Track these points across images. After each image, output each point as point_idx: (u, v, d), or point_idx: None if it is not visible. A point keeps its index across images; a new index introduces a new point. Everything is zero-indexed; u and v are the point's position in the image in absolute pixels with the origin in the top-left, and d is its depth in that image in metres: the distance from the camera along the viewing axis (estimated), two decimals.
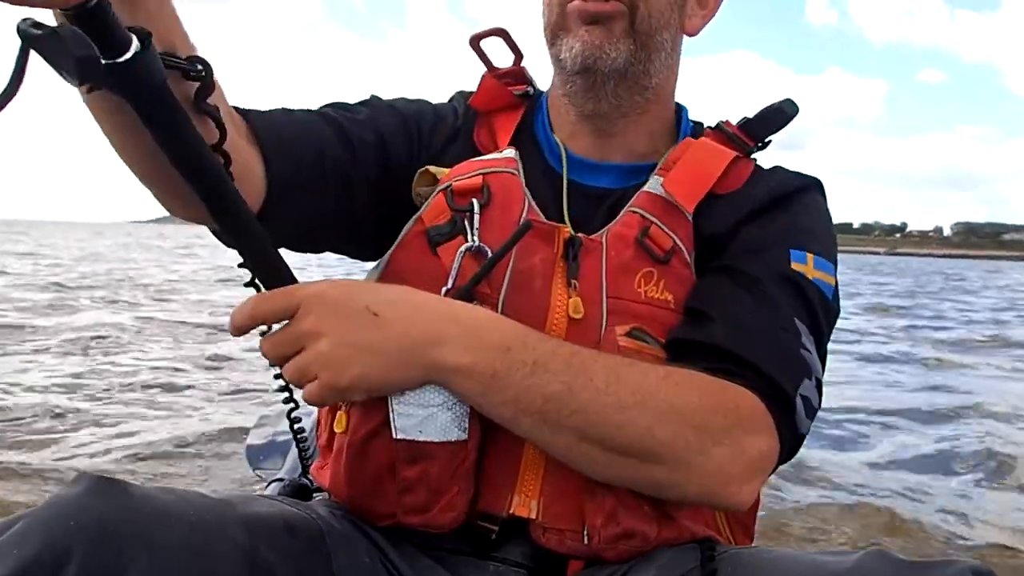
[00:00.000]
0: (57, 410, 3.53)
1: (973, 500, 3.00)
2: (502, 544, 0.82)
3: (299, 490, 1.10)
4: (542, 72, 1.02)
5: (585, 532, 0.79)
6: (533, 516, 0.80)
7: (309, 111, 0.92)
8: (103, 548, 0.56)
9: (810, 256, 0.88)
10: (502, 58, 1.02)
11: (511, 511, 0.80)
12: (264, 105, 0.91)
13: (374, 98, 1.00)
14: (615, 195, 0.93)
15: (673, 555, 0.76)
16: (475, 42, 1.00)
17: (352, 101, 0.98)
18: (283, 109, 0.91)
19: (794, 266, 0.87)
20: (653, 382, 0.74)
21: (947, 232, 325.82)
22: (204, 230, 0.83)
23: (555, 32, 0.90)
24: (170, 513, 0.61)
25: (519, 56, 1.02)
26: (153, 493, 0.63)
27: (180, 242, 37.60)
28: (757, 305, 0.84)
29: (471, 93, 1.02)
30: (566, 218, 0.90)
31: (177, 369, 4.69)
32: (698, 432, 0.74)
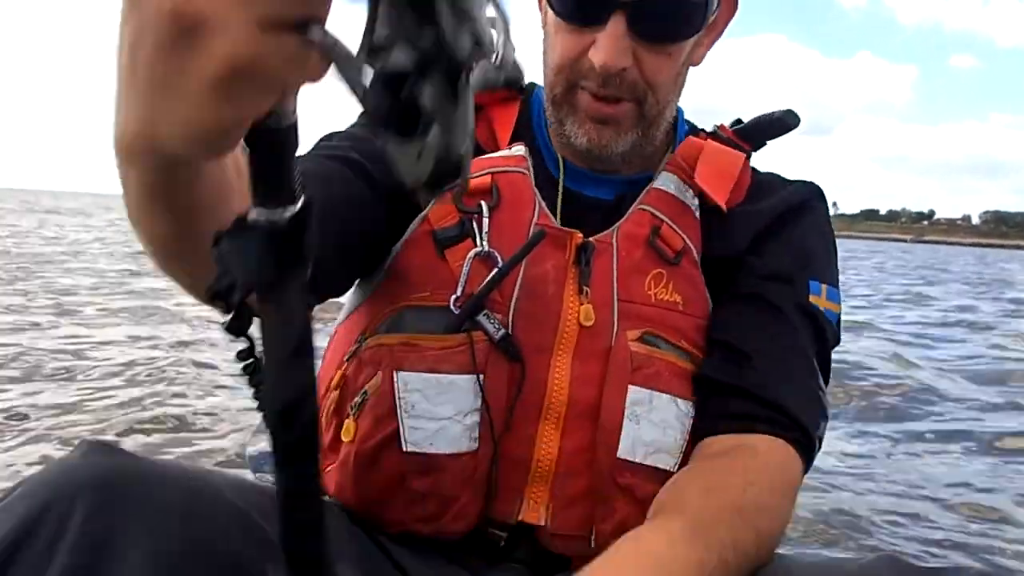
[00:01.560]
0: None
1: None
2: (510, 549, 0.83)
3: None
4: (536, 65, 0.88)
5: (593, 538, 0.82)
6: (542, 523, 0.82)
7: (331, 156, 0.86)
8: (105, 506, 0.57)
9: (824, 287, 0.91)
10: None
11: (520, 517, 0.82)
12: None
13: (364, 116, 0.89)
14: (612, 203, 0.93)
15: None
16: None
17: (344, 126, 0.94)
18: (317, 176, 0.81)
19: (812, 299, 0.89)
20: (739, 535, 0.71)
21: (975, 220, 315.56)
22: None
23: (559, 103, 0.89)
24: (168, 476, 0.62)
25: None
26: (151, 459, 0.65)
27: None
28: (785, 343, 0.86)
29: None
30: (558, 222, 0.89)
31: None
32: (774, 535, 0.75)
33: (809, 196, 0.97)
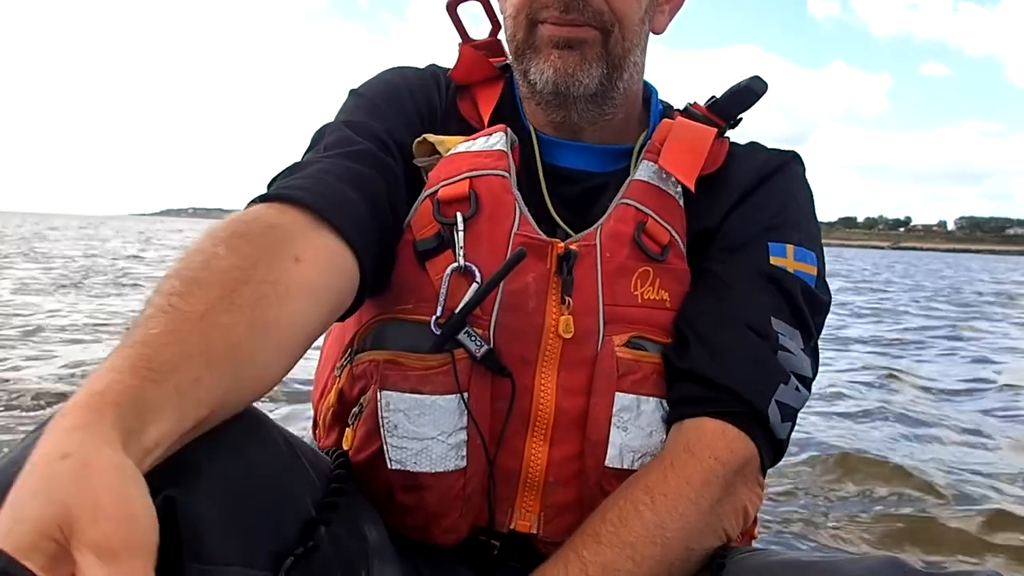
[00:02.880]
0: None
1: None
2: (504, 556, 0.85)
3: None
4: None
5: None
6: (534, 531, 0.83)
7: (362, 171, 0.82)
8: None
9: (790, 248, 0.88)
10: (478, 29, 1.01)
11: (511, 526, 0.83)
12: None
13: (364, 117, 0.91)
14: (596, 179, 0.92)
15: None
16: (452, 7, 0.97)
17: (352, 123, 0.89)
18: (361, 200, 0.79)
19: (773, 260, 0.87)
20: (651, 529, 0.73)
21: (951, 226, 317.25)
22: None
23: (522, 49, 0.88)
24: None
25: (496, 27, 0.99)
26: None
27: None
28: (729, 317, 0.84)
29: (447, 69, 0.99)
30: (548, 203, 0.89)
31: None
32: (710, 532, 0.77)
33: (785, 161, 0.94)
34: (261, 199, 0.75)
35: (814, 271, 0.89)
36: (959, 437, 3.21)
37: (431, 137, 0.89)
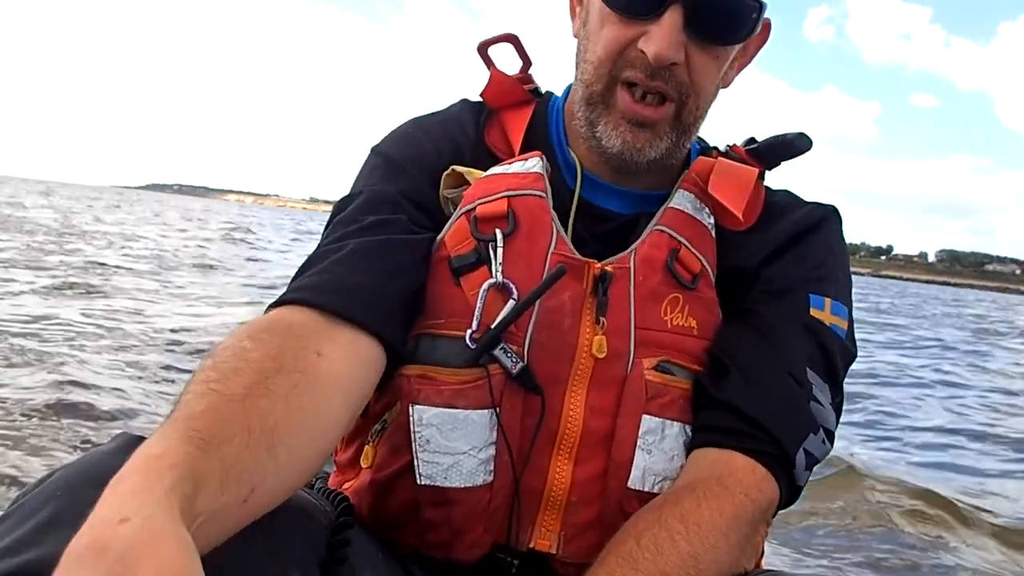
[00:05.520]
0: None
1: None
2: (522, 575, 0.85)
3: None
4: (550, 81, 1.02)
5: None
6: (554, 551, 0.83)
7: (382, 247, 0.82)
8: None
9: (828, 301, 0.89)
10: (508, 64, 1.00)
11: (531, 545, 0.83)
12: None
13: (388, 183, 0.90)
14: (625, 219, 0.91)
15: None
16: (483, 49, 0.97)
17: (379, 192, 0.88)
18: (380, 282, 0.79)
19: (813, 313, 0.87)
20: (686, 560, 0.72)
21: (931, 258, 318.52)
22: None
23: (595, 101, 0.87)
24: None
25: (527, 63, 0.99)
26: None
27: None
28: (772, 358, 0.84)
29: (476, 102, 0.99)
30: (568, 236, 0.87)
31: None
32: (735, 568, 0.76)
33: (823, 216, 0.95)
34: (279, 303, 0.78)
35: (846, 325, 0.90)
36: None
37: (460, 169, 0.89)
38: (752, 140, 0.99)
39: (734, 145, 0.99)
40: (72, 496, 0.54)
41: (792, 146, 0.95)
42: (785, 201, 0.98)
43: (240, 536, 0.59)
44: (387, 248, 0.82)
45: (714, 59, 0.85)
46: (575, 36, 0.93)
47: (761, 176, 0.96)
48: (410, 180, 0.90)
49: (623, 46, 0.84)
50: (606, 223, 0.91)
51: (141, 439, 0.59)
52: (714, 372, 0.85)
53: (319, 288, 0.77)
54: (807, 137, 0.95)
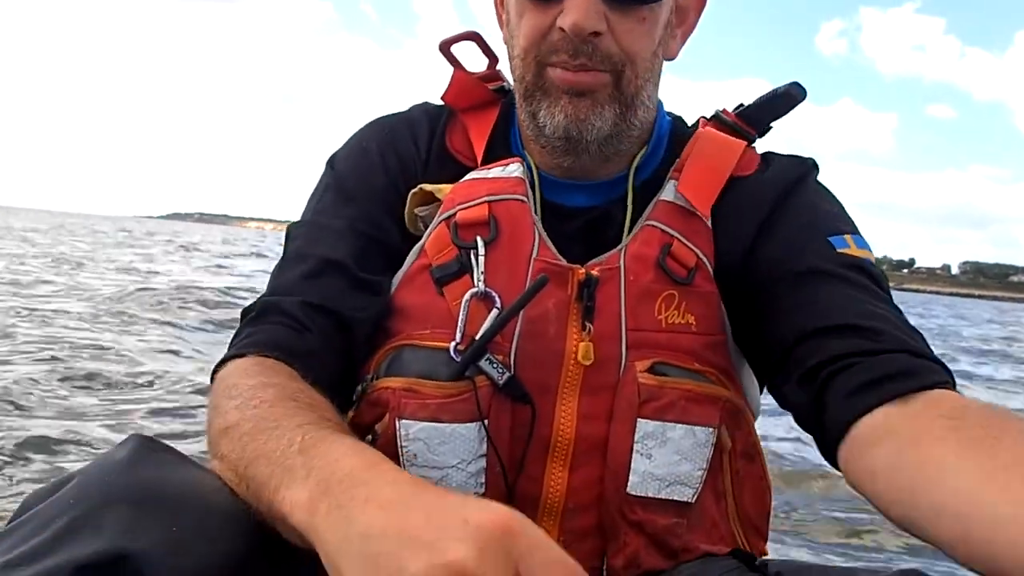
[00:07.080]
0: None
1: None
2: None
3: None
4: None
5: (605, 570, 0.81)
6: None
7: (322, 290, 0.84)
8: (134, 512, 0.54)
9: (848, 237, 0.86)
10: (476, 63, 0.98)
11: None
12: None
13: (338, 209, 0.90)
14: (596, 211, 0.89)
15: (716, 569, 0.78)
16: (446, 48, 0.94)
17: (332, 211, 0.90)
18: (319, 335, 0.82)
19: (841, 252, 0.84)
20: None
21: (955, 270, 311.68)
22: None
23: (531, 91, 0.85)
24: (204, 489, 0.60)
25: (494, 60, 0.97)
26: (191, 464, 0.63)
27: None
28: (867, 301, 0.80)
29: (437, 106, 0.97)
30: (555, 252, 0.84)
31: None
32: None
33: (807, 171, 0.92)
34: (232, 357, 0.79)
35: (873, 257, 0.87)
36: None
37: (428, 187, 0.88)
38: (741, 105, 0.97)
39: (724, 109, 0.97)
40: (88, 506, 0.54)
41: (786, 98, 0.94)
42: (764, 159, 0.94)
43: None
44: (325, 301, 0.84)
45: (640, 22, 0.82)
46: (505, 43, 0.92)
47: (751, 142, 0.94)
48: (356, 207, 0.90)
49: (544, 31, 0.83)
50: (574, 220, 0.89)
51: (151, 440, 0.61)
52: (835, 334, 0.78)
53: (263, 344, 0.79)
54: (799, 85, 0.94)
